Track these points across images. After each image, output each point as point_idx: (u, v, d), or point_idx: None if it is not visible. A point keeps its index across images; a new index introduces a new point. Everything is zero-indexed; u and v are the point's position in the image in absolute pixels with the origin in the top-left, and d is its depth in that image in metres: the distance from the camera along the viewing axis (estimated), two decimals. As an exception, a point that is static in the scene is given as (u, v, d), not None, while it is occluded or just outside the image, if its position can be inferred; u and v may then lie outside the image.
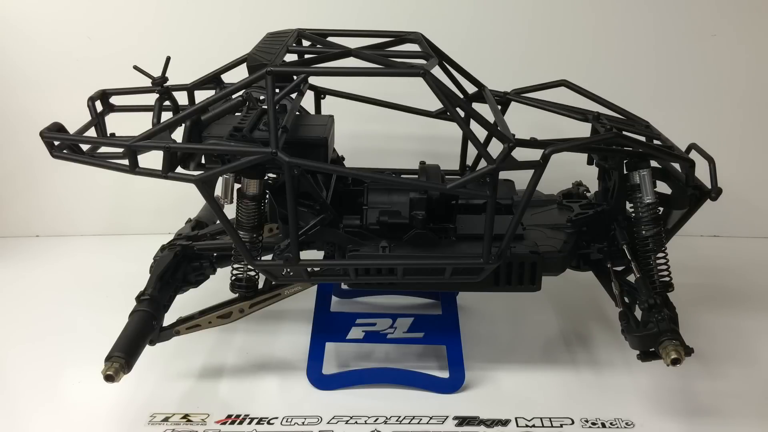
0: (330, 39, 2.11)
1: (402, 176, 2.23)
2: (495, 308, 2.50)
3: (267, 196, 1.97)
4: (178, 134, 1.87)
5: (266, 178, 1.94)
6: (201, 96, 2.00)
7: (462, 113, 1.84)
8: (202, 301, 2.12)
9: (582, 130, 2.13)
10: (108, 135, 1.98)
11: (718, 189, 1.91)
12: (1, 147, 2.94)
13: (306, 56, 1.98)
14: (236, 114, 1.96)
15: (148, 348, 1.92)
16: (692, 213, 2.00)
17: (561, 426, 1.92)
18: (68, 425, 1.92)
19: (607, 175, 2.12)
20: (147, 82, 1.97)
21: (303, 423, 1.93)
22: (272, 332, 2.34)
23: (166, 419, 1.93)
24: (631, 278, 2.01)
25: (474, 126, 1.83)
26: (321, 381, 2.06)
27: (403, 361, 2.16)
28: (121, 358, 1.76)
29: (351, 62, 1.87)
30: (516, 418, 1.95)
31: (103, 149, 1.91)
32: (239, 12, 2.77)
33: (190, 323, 2.04)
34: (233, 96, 1.87)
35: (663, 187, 2.01)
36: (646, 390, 2.05)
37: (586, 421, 1.94)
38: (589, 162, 2.16)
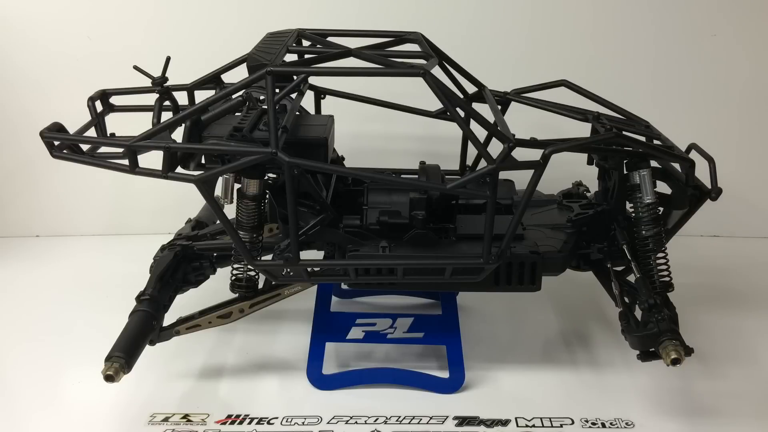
0: (330, 39, 2.11)
1: (402, 176, 2.23)
2: (495, 308, 2.49)
3: (267, 196, 1.97)
4: (178, 134, 1.87)
5: (266, 178, 1.94)
6: (201, 96, 2.00)
7: (462, 113, 1.84)
8: (202, 301, 2.12)
9: (582, 130, 2.14)
10: (108, 135, 1.98)
11: (718, 189, 1.91)
12: (1, 147, 2.94)
13: (306, 56, 1.98)
14: (236, 114, 1.96)
15: (148, 348, 1.92)
16: (692, 213, 2.00)
17: (561, 426, 1.92)
18: (68, 425, 1.92)
19: (607, 175, 2.12)
20: (147, 82, 1.97)
21: (303, 423, 1.93)
22: (272, 332, 2.34)
23: (166, 419, 1.93)
24: (631, 278, 2.01)
25: (474, 126, 1.83)
26: (321, 381, 2.06)
27: (403, 361, 2.16)
28: (121, 358, 1.76)
29: (351, 62, 1.87)
30: (516, 418, 1.95)
31: (103, 149, 1.91)
32: (239, 12, 2.77)
33: (190, 323, 2.04)
34: (233, 96, 1.87)
35: (663, 187, 2.01)
36: (646, 390, 2.05)
37: (586, 421, 1.94)
38: (589, 162, 2.16)
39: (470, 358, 2.13)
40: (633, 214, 1.98)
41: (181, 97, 2.12)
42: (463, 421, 1.94)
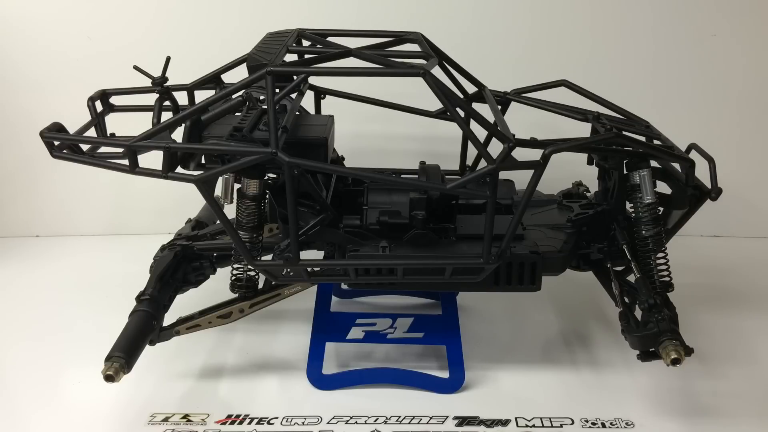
0: (330, 39, 2.11)
1: (402, 176, 2.23)
2: (495, 308, 2.49)
3: (267, 196, 1.97)
4: (178, 134, 1.87)
5: (266, 178, 1.94)
6: (201, 96, 2.00)
7: (462, 113, 1.84)
8: (202, 301, 2.12)
9: (582, 130, 2.14)
10: (108, 135, 1.98)
11: (718, 189, 1.91)
12: (1, 147, 2.94)
13: (306, 56, 1.98)
14: (236, 114, 1.96)
15: (148, 348, 1.92)
16: (692, 213, 2.00)
17: (561, 426, 1.92)
18: (68, 425, 1.92)
19: (607, 175, 2.12)
20: (147, 82, 1.97)
21: (303, 423, 1.93)
22: (272, 332, 2.34)
23: (166, 419, 1.93)
24: (631, 278, 2.01)
25: (474, 126, 1.83)
26: (321, 381, 2.06)
27: (403, 361, 2.16)
28: (121, 358, 1.76)
29: (351, 62, 1.87)
30: (516, 418, 1.95)
31: (103, 149, 1.91)
32: (239, 12, 2.77)
33: (190, 323, 2.04)
34: (233, 96, 1.87)
35: (663, 187, 2.01)
36: (646, 390, 2.05)
37: (586, 421, 1.94)
38: (589, 162, 2.16)
39: (470, 358, 2.13)
40: (633, 214, 1.98)
41: (181, 97, 2.12)
42: (463, 421, 1.94)
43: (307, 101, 2.24)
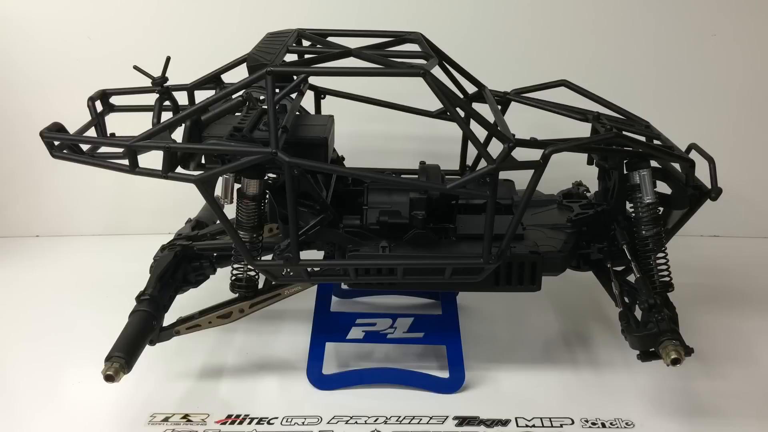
0: (330, 39, 2.11)
1: (402, 176, 2.23)
2: (495, 308, 2.49)
3: (267, 196, 1.97)
4: (178, 134, 1.87)
5: (266, 178, 1.94)
6: (201, 96, 2.00)
7: (462, 113, 1.84)
8: (202, 301, 2.12)
9: (582, 130, 2.14)
10: (108, 135, 1.98)
11: (718, 189, 1.91)
12: (1, 147, 2.94)
13: (306, 56, 1.98)
14: (236, 114, 1.96)
15: (148, 348, 1.92)
16: (692, 213, 2.00)
17: (561, 426, 1.92)
18: (68, 425, 1.92)
19: (607, 175, 2.12)
20: (147, 82, 1.97)
21: (303, 423, 1.93)
22: (272, 332, 2.34)
23: (166, 419, 1.93)
24: (631, 278, 2.01)
25: (474, 126, 1.83)
26: (321, 381, 2.06)
27: (403, 361, 2.16)
28: (121, 358, 1.76)
29: (351, 62, 1.87)
30: (516, 418, 1.95)
31: (103, 149, 1.91)
32: (239, 12, 2.77)
33: (190, 323, 2.04)
34: (233, 96, 1.87)
35: (663, 187, 2.01)
36: (646, 390, 2.05)
37: (586, 421, 1.94)
38: (589, 162, 2.16)
39: (470, 358, 2.13)
40: (633, 214, 1.98)
41: (181, 97, 2.12)
42: (463, 421, 1.94)
43: (307, 101, 2.24)
